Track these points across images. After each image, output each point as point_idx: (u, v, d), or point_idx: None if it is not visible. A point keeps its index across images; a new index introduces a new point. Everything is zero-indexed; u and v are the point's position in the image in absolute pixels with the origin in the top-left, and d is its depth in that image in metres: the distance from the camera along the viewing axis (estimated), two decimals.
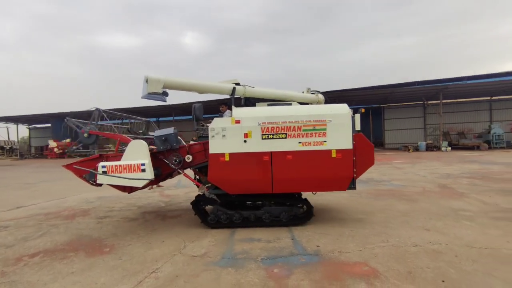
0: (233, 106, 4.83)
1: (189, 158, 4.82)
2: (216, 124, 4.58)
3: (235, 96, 5.28)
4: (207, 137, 4.68)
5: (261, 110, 4.82)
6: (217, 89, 5.29)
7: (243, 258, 3.55)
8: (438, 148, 24.31)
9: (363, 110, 5.05)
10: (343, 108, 4.65)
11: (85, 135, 4.88)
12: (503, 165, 12.19)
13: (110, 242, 4.31)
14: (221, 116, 5.57)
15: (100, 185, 4.63)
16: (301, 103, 5.51)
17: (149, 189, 8.63)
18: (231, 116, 4.75)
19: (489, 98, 27.91)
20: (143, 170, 4.42)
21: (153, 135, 5.42)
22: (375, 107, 31.20)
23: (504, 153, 18.38)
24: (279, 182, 4.57)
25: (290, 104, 5.26)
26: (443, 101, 25.16)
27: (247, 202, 5.16)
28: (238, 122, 4.58)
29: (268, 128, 4.54)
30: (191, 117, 5.37)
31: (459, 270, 3.00)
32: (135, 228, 4.99)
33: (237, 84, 5.28)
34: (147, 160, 4.47)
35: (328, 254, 3.58)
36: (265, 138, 4.55)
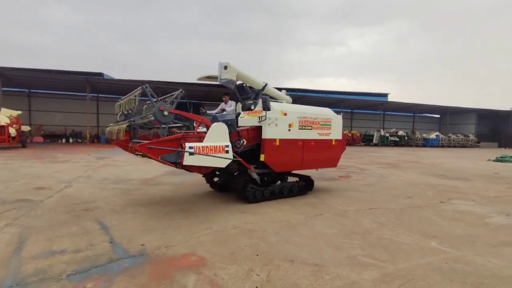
0: (266, 100, 5.41)
1: (244, 142, 5.25)
2: (272, 115, 5.46)
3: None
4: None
5: (297, 107, 6.22)
6: (256, 83, 6.45)
7: (38, 280, 2.63)
8: None
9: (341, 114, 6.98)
10: (332, 112, 6.62)
11: (165, 113, 4.32)
12: None
13: None
14: (226, 104, 7.01)
15: (183, 167, 4.36)
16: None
17: None
18: (231, 105, 6.90)
19: None
20: (227, 152, 4.69)
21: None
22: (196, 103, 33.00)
23: None
24: (306, 162, 6.05)
25: (282, 102, 6.66)
26: None
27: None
28: (285, 114, 5.67)
29: (302, 121, 5.92)
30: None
31: (268, 243, 3.62)
32: None
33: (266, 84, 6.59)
34: (229, 142, 4.76)
35: (154, 251, 3.31)
36: (300, 129, 5.89)
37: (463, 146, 39.97)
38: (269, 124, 5.45)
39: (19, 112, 19.70)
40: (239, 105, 6.80)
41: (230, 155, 4.77)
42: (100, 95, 30.85)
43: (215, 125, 4.74)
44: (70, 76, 25.35)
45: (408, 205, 5.76)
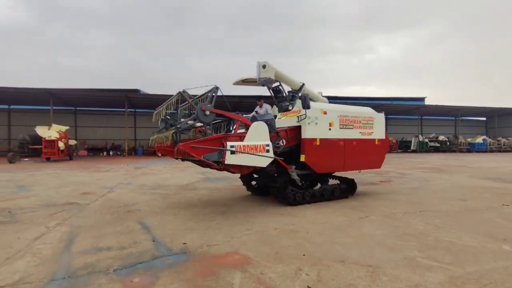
0: (305, 99, 5.22)
1: (283, 142, 5.12)
2: (312, 113, 5.30)
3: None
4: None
5: (337, 106, 5.98)
6: (293, 83, 6.41)
7: (87, 273, 2.66)
8: None
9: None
10: (373, 110, 6.36)
11: (207, 112, 4.33)
12: None
13: None
14: (260, 108, 6.72)
15: (223, 166, 4.30)
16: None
17: None
18: (266, 109, 6.49)
19: None
20: (267, 151, 4.55)
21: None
22: None
23: None
24: (348, 162, 5.77)
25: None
26: None
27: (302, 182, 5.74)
28: (325, 113, 5.48)
29: (343, 120, 5.70)
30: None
31: (313, 243, 3.40)
32: None
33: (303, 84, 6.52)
34: (269, 141, 4.63)
35: (197, 250, 3.24)
36: (341, 128, 5.67)
37: None
38: (309, 123, 5.26)
39: (67, 127, 21.32)
40: (275, 108, 6.71)
41: (271, 154, 4.62)
42: (137, 110, 32.62)
43: (255, 124, 4.65)
44: (110, 93, 27.15)
45: (464, 208, 5.20)
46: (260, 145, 4.51)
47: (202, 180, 9.24)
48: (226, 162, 4.21)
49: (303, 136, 5.31)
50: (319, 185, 6.19)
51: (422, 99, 42.32)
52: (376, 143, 6.18)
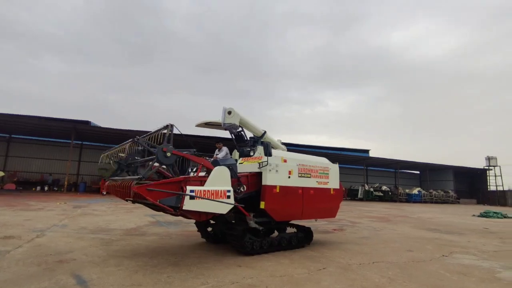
0: (267, 146, 5.29)
1: (244, 188, 5.00)
2: (273, 161, 5.35)
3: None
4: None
5: (296, 155, 6.14)
6: (256, 130, 6.52)
7: None
8: None
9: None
10: (328, 161, 6.58)
11: (168, 154, 4.09)
12: None
13: None
14: (219, 151, 6.83)
15: (180, 212, 4.01)
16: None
17: None
18: (226, 152, 6.68)
19: None
20: (228, 197, 4.40)
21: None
22: None
23: None
24: (306, 211, 5.76)
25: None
26: None
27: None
28: (285, 161, 5.57)
29: (302, 168, 5.81)
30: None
31: None
32: None
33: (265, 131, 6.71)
34: (231, 187, 4.50)
35: None
36: (300, 176, 5.73)
37: (444, 202, 40.61)
38: (270, 170, 5.29)
39: None
40: (235, 152, 6.72)
41: (232, 200, 4.46)
42: (84, 142, 30.19)
43: (217, 169, 4.51)
44: (58, 122, 24.88)
45: (411, 259, 5.47)
46: (221, 190, 4.35)
47: (151, 224, 8.50)
48: (185, 207, 3.94)
49: (263, 183, 5.29)
50: (276, 232, 6.09)
51: (367, 151, 46.28)
52: (332, 192, 6.40)
